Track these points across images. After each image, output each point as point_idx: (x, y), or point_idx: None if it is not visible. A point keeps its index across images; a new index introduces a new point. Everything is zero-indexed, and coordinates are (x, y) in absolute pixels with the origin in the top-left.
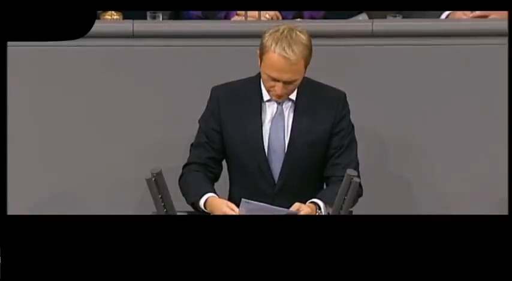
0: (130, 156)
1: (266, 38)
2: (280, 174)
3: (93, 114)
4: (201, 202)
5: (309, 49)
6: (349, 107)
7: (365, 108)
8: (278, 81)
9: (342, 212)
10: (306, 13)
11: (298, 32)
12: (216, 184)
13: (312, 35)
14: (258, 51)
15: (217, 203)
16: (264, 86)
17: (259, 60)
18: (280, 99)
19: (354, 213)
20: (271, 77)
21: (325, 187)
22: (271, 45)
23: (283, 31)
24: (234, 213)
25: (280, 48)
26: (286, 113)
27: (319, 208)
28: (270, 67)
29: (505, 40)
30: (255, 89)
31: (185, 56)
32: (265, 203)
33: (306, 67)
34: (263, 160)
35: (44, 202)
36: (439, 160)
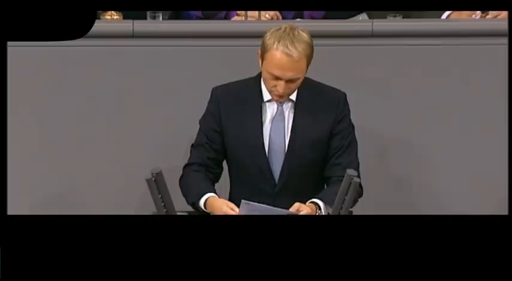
0: (131, 156)
1: (268, 37)
2: (280, 174)
3: (92, 114)
4: (201, 202)
5: (311, 48)
6: (350, 107)
7: (365, 108)
8: (281, 79)
9: (342, 212)
10: (306, 13)
11: (300, 31)
12: (216, 184)
13: (312, 35)
14: (259, 51)
15: (217, 203)
16: (266, 85)
17: (260, 61)
18: (281, 100)
19: (354, 213)
20: (273, 75)
21: (325, 187)
22: (274, 43)
23: (285, 29)
24: (234, 213)
25: (283, 46)
26: (286, 114)
27: (319, 208)
28: (272, 65)
29: (505, 40)
30: (255, 90)
31: (185, 56)
32: (265, 203)
33: (307, 66)
34: (263, 160)
35: (44, 202)
36: (439, 160)
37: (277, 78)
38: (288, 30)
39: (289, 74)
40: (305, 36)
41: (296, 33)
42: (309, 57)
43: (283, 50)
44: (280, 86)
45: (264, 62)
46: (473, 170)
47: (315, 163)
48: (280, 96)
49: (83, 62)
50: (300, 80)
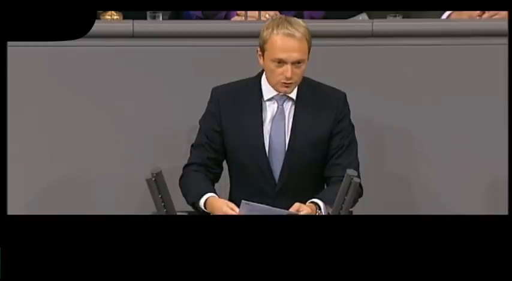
0: (131, 156)
1: (265, 28)
2: (280, 174)
3: (92, 114)
4: (201, 202)
5: (310, 33)
6: (349, 107)
7: (365, 108)
8: (286, 63)
9: (342, 212)
10: (306, 13)
11: (295, 18)
12: (216, 184)
13: (312, 35)
14: (258, 48)
15: (217, 203)
16: (271, 79)
17: (260, 59)
18: (289, 90)
19: (354, 213)
20: (279, 60)
21: (325, 187)
22: (273, 30)
23: (281, 17)
24: (234, 213)
25: (283, 29)
26: (286, 113)
27: (319, 208)
28: (276, 50)
29: (505, 40)
30: (255, 89)
31: (185, 56)
32: (265, 203)
33: (308, 51)
34: (263, 160)
35: (44, 202)
36: (439, 160)
37: (283, 62)
38: (283, 17)
39: (294, 55)
40: (301, 22)
41: (292, 19)
42: (309, 41)
43: (284, 32)
44: (287, 70)
45: (265, 53)
46: (473, 170)
47: (315, 163)
48: (288, 85)
49: (83, 62)
50: (304, 66)
